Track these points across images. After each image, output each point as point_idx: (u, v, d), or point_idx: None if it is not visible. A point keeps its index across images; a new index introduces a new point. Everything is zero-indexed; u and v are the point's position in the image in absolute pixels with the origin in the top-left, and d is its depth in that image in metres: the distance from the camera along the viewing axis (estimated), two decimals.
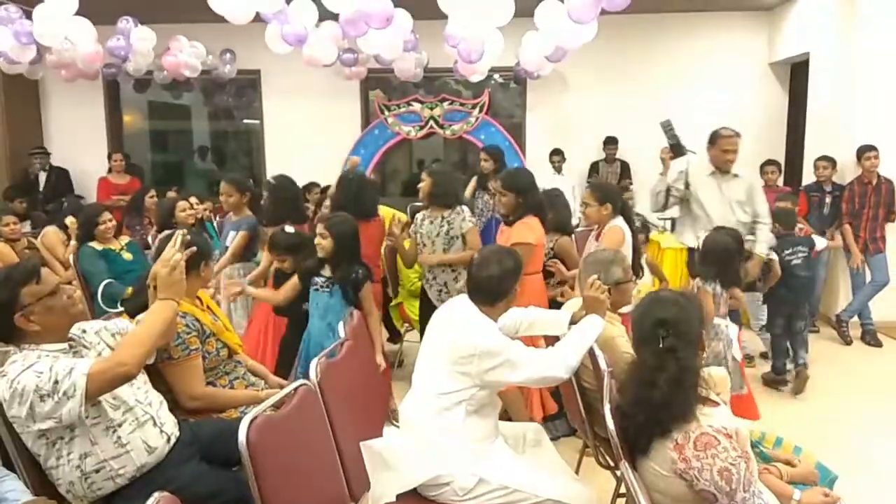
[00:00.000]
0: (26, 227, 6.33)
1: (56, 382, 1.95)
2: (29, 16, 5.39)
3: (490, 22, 4.54)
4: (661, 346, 1.87)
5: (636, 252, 3.84)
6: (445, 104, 7.83)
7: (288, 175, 4.51)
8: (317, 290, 3.38)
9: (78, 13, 5.36)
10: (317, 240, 3.36)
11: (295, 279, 3.48)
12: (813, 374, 4.70)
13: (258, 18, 4.74)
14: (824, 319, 6.18)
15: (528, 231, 3.66)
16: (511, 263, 2.52)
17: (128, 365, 2.05)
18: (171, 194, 6.29)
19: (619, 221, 3.79)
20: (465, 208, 4.13)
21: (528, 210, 3.71)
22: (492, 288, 2.48)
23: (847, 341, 5.70)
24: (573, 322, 2.67)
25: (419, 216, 4.20)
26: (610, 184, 3.96)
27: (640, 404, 1.90)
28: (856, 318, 5.80)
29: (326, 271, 3.37)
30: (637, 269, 3.83)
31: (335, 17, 4.67)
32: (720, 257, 3.58)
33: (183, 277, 2.29)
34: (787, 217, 4.83)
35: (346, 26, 4.34)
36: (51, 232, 5.57)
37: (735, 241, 3.69)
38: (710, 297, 3.47)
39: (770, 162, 6.32)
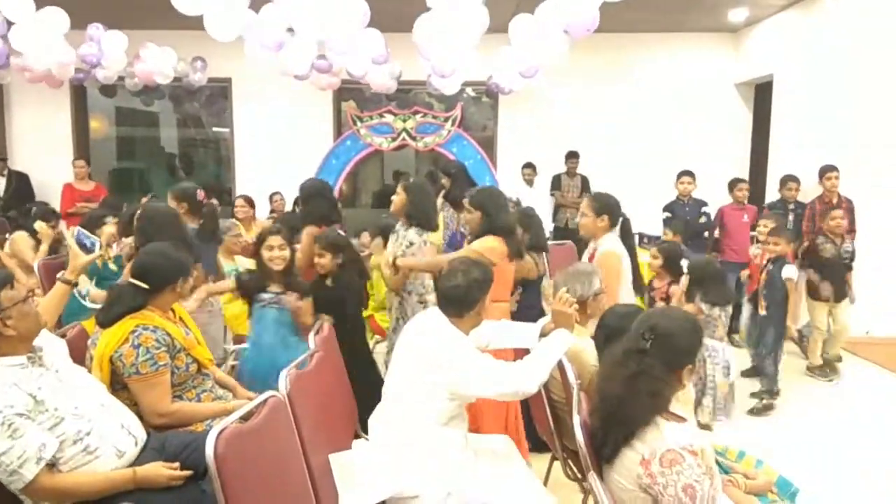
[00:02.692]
0: None
1: (11, 450, 1.92)
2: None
3: (462, 37, 4.56)
4: (636, 346, 1.90)
5: (636, 270, 3.73)
6: (418, 116, 7.86)
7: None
8: (263, 306, 3.33)
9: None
10: (272, 253, 3.33)
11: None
12: (784, 388, 4.79)
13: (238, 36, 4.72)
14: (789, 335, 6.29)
15: (483, 246, 3.44)
16: (478, 273, 2.53)
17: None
18: (145, 202, 6.20)
19: (614, 243, 3.64)
20: (414, 233, 3.87)
21: (492, 231, 3.49)
22: (458, 297, 2.48)
23: (808, 356, 5.80)
24: (543, 335, 2.70)
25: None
26: (610, 195, 3.80)
27: (601, 400, 1.96)
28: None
29: (274, 287, 3.33)
30: (639, 286, 3.74)
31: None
32: (708, 279, 3.60)
33: None
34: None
35: (314, 37, 4.34)
36: (20, 237, 5.44)
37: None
38: (701, 315, 3.49)
39: (740, 180, 6.42)
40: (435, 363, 2.36)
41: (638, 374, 1.86)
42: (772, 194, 6.57)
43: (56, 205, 7.40)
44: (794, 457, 3.58)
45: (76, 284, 3.03)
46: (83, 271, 2.81)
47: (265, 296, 3.35)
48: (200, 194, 4.32)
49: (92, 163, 8.37)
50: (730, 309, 4.80)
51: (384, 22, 5.58)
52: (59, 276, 2.97)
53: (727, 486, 2.22)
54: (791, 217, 6.02)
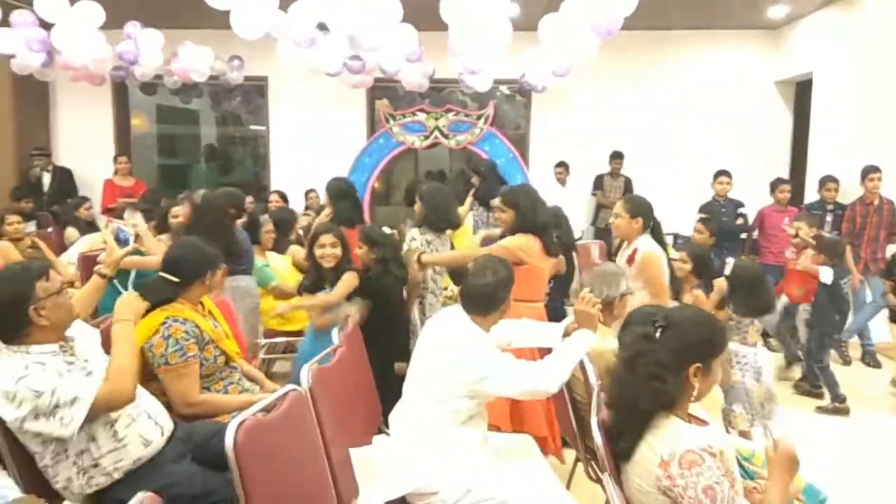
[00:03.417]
0: (31, 226, 6.39)
1: (56, 407, 1.99)
2: (42, 21, 5.46)
3: (492, 34, 4.56)
4: (644, 332, 1.89)
5: (672, 272, 3.70)
6: (450, 115, 7.86)
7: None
8: None
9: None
10: (324, 251, 3.49)
11: (349, 275, 3.50)
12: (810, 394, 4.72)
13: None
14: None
15: (515, 243, 3.43)
16: (505, 273, 2.54)
17: (128, 394, 2.18)
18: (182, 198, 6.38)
19: (650, 243, 3.60)
20: (417, 232, 4.03)
21: (524, 229, 3.48)
22: (486, 296, 2.49)
23: (846, 361, 5.68)
24: (566, 334, 2.68)
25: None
26: (643, 198, 3.77)
27: (609, 386, 1.97)
28: (855, 339, 5.78)
29: (327, 285, 3.51)
30: (676, 289, 3.71)
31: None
32: (748, 286, 3.51)
33: (139, 304, 2.45)
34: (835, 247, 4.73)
35: (348, 35, 4.38)
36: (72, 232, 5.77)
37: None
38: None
39: (783, 181, 6.31)
40: (455, 361, 2.37)
41: (639, 355, 1.84)
42: (811, 195, 6.42)
43: (97, 200, 7.63)
44: (825, 463, 3.50)
45: (113, 278, 3.10)
46: (118, 265, 2.89)
47: (322, 294, 3.51)
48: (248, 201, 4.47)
49: (134, 159, 8.60)
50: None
51: (417, 20, 5.59)
52: (95, 269, 3.05)
53: (751, 492, 2.17)
54: (830, 218, 5.88)
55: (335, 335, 2.88)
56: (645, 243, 3.61)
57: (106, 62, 6.15)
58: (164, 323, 2.55)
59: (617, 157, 7.88)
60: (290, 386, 2.23)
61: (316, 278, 3.57)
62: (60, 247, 6.18)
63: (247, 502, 1.84)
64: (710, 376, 1.87)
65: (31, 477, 2.12)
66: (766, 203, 6.34)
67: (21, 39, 5.57)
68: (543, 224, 3.52)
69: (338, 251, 3.50)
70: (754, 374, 3.45)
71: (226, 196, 4.24)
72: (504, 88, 8.77)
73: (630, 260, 3.63)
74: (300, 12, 4.59)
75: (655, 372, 1.81)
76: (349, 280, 3.49)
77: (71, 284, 4.78)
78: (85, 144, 8.62)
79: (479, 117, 7.86)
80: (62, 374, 2.09)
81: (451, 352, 2.40)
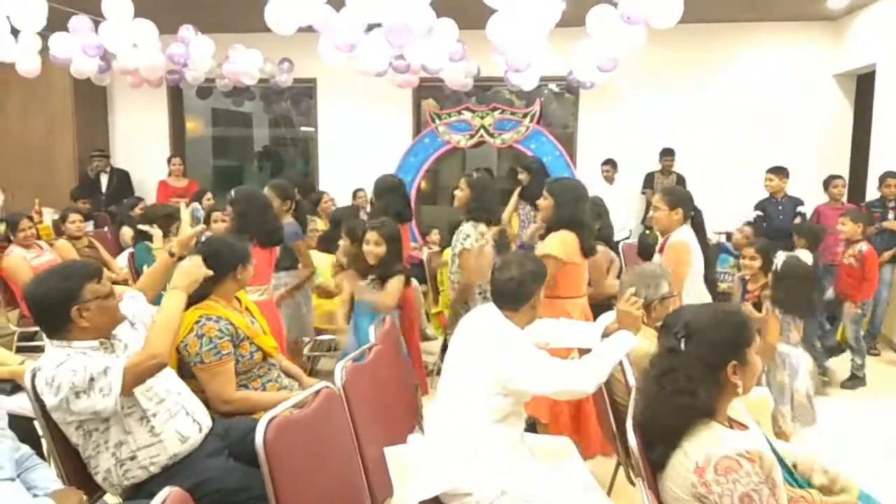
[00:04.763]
0: (89, 226, 6.63)
1: (92, 380, 2.03)
2: (97, 25, 5.64)
3: (535, 28, 4.49)
4: (669, 345, 1.84)
5: (708, 265, 3.67)
6: (496, 113, 7.81)
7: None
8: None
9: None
10: (368, 248, 3.50)
11: (396, 281, 3.50)
12: (871, 398, 4.54)
13: (309, 28, 4.82)
14: (886, 342, 5.89)
15: (555, 243, 3.42)
16: (532, 266, 2.51)
17: (159, 356, 2.16)
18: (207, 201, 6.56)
19: (686, 234, 3.59)
20: (470, 226, 4.00)
21: (561, 224, 3.47)
22: (513, 290, 2.46)
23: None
24: (606, 335, 2.62)
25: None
26: (681, 188, 3.75)
27: (640, 401, 1.93)
28: None
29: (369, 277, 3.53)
30: (712, 285, 3.68)
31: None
32: (793, 283, 3.39)
33: (198, 271, 2.44)
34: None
35: (390, 35, 4.37)
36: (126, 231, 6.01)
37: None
38: (776, 321, 3.30)
39: (835, 176, 6.10)
40: (490, 359, 2.33)
41: (666, 373, 1.78)
42: (873, 192, 6.14)
43: (152, 200, 7.86)
44: (881, 472, 3.33)
45: (181, 258, 3.12)
46: (188, 245, 2.90)
47: (362, 283, 3.54)
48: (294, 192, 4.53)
49: (190, 161, 8.82)
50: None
51: (460, 19, 5.57)
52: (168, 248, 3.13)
53: (798, 501, 2.07)
54: (891, 216, 5.62)
55: (372, 333, 2.87)
56: (679, 234, 3.58)
57: (159, 66, 6.31)
58: (197, 321, 2.59)
59: (668, 153, 7.70)
60: (323, 383, 2.24)
61: (362, 264, 3.59)
62: (116, 247, 6.39)
63: (277, 499, 1.85)
64: (750, 367, 1.80)
65: (73, 470, 2.19)
66: (823, 201, 6.12)
67: (78, 44, 5.75)
68: (581, 221, 3.48)
69: (381, 250, 3.49)
70: (794, 375, 3.33)
71: (270, 186, 4.33)
72: (552, 86, 8.66)
73: (661, 249, 3.62)
74: (344, 12, 4.60)
75: (684, 386, 1.76)
76: (396, 286, 3.48)
77: (124, 282, 4.99)
78: (141, 147, 8.89)
79: (524, 115, 7.79)
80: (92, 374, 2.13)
81: (484, 348, 2.37)
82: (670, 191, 3.78)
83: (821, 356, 4.97)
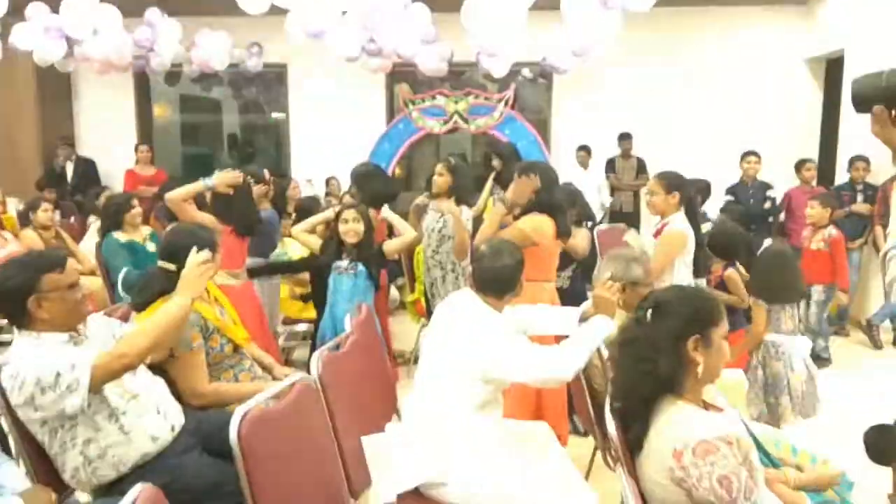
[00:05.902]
0: (55, 216, 6.46)
1: (58, 375, 1.97)
2: (56, 9, 5.48)
3: (510, 11, 4.45)
4: (635, 317, 1.87)
5: (699, 248, 3.61)
6: (470, 98, 7.76)
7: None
8: (339, 273, 3.57)
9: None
10: (347, 226, 3.52)
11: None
12: (841, 378, 4.58)
13: (279, 11, 4.73)
14: (855, 323, 6.00)
15: (531, 222, 3.38)
16: (520, 255, 2.52)
17: (129, 356, 2.09)
18: None
19: (683, 223, 3.52)
20: (466, 209, 4.16)
21: (538, 207, 3.42)
22: (506, 278, 2.45)
23: (878, 346, 5.53)
24: (583, 320, 2.61)
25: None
26: (677, 172, 3.68)
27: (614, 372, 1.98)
28: (888, 323, 5.63)
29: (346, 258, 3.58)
30: (701, 268, 3.64)
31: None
32: (769, 271, 3.38)
33: (205, 279, 2.36)
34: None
35: (361, 18, 4.31)
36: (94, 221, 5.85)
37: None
38: (761, 311, 3.29)
39: (806, 160, 6.18)
40: (470, 346, 2.31)
41: (631, 342, 1.82)
42: (843, 175, 6.23)
43: (119, 189, 7.69)
44: (852, 449, 3.39)
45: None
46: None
47: (342, 263, 3.58)
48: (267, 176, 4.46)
49: (158, 149, 8.64)
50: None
51: (434, 2, 5.51)
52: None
53: (773, 481, 2.09)
54: (860, 199, 5.70)
55: (347, 323, 2.83)
56: (678, 222, 3.52)
57: (124, 51, 6.15)
58: None
59: (625, 137, 7.69)
60: (299, 374, 2.20)
61: (335, 251, 3.62)
62: (83, 236, 6.24)
63: (252, 494, 1.82)
64: (714, 350, 1.80)
65: (43, 469, 2.12)
66: (794, 184, 6.20)
67: (39, 30, 5.59)
68: (557, 204, 3.46)
69: (359, 227, 3.55)
70: (790, 362, 3.32)
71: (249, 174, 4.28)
72: (526, 72, 8.63)
73: (657, 234, 3.58)
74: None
75: (644, 354, 1.78)
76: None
77: (91, 273, 4.88)
78: (107, 134, 8.68)
79: (499, 101, 7.75)
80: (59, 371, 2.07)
81: (463, 335, 2.34)
82: (665, 175, 3.64)
83: None
